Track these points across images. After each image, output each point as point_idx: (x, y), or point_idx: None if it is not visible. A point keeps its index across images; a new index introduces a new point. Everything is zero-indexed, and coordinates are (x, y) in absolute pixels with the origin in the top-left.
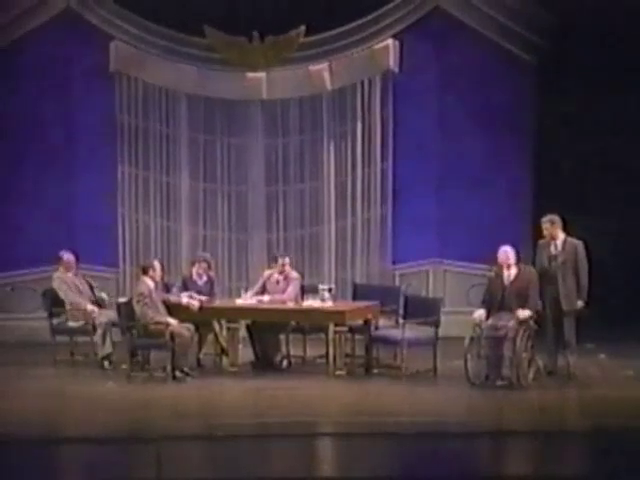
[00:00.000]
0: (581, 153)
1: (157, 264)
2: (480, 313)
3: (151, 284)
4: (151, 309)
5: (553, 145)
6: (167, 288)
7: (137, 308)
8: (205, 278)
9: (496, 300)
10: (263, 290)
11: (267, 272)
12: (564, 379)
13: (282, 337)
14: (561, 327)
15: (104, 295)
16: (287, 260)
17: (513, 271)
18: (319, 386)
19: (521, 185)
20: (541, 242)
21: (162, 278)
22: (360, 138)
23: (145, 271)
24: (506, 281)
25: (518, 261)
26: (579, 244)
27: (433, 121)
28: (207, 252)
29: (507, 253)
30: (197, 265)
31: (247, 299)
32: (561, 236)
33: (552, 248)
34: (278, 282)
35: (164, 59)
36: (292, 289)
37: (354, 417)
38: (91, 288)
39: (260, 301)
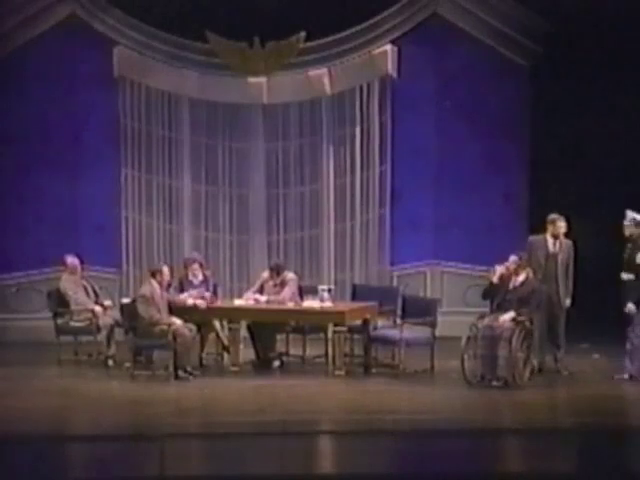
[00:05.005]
0: (576, 155)
1: (165, 269)
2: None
3: (156, 287)
4: (152, 309)
5: (548, 148)
6: (167, 289)
7: (139, 308)
8: (201, 277)
9: (497, 300)
10: (261, 291)
11: (265, 274)
12: (559, 378)
13: (281, 337)
14: (556, 324)
15: (108, 302)
16: (283, 275)
17: (520, 278)
18: (319, 385)
19: (517, 187)
20: (534, 238)
21: (169, 282)
22: (359, 142)
23: (153, 275)
24: (511, 285)
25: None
26: (571, 243)
27: (430, 125)
28: (204, 253)
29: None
30: (189, 267)
31: (249, 299)
32: (561, 235)
33: (551, 246)
34: (275, 284)
35: (167, 64)
36: (288, 289)
37: (353, 415)
38: (95, 293)
39: (257, 300)
